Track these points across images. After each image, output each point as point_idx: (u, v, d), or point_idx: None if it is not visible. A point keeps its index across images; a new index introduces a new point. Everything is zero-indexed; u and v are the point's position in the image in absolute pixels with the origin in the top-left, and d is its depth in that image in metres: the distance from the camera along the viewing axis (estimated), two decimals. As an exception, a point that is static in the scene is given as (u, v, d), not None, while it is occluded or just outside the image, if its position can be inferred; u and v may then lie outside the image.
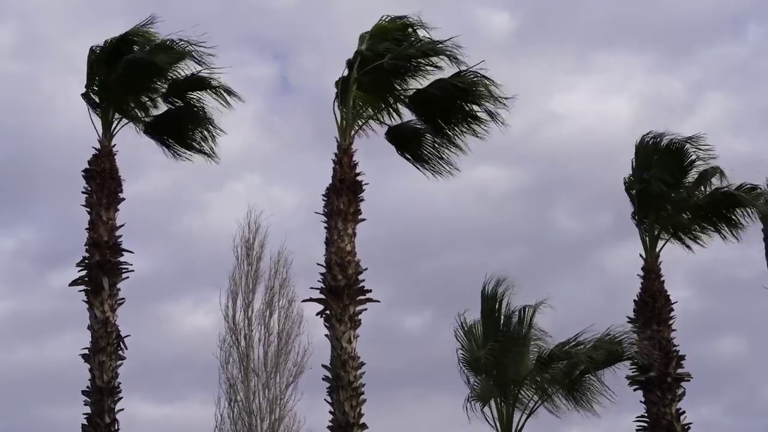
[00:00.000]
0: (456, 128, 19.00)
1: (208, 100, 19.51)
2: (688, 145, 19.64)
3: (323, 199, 18.12)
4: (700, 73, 46.30)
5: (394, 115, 19.32)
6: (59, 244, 39.16)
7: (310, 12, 41.43)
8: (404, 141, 19.48)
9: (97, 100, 19.13)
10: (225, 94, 19.22)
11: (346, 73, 18.67)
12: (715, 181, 19.52)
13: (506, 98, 18.27)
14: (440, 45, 18.28)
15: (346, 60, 18.69)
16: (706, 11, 45.12)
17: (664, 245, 19.69)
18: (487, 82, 18.29)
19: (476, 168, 39.25)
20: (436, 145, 19.37)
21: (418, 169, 19.56)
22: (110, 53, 18.86)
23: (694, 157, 19.71)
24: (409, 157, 19.58)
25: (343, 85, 18.57)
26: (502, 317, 18.50)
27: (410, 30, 18.69)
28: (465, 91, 18.45)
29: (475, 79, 18.35)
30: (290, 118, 45.11)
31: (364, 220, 18.11)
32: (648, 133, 19.77)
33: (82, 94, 19.10)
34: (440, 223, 39.20)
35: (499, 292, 18.52)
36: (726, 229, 19.78)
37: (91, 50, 19.01)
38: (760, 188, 19.40)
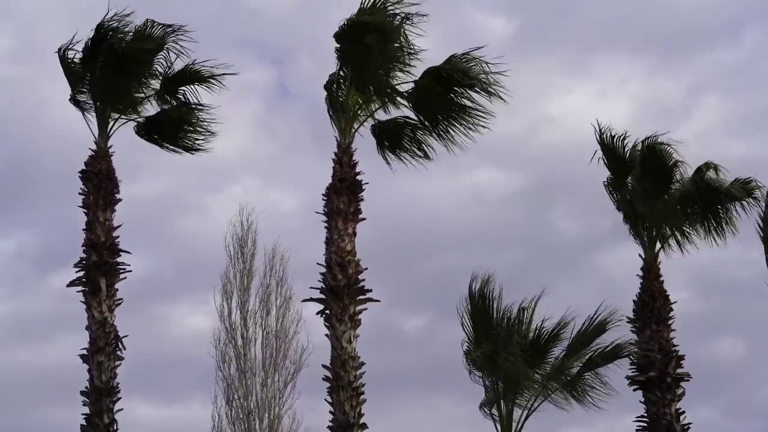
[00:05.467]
0: (454, 121, 18.92)
1: (203, 93, 19.57)
2: (667, 147, 19.55)
3: (323, 199, 18.08)
4: (696, 76, 46.39)
5: (393, 111, 19.19)
6: (58, 246, 39.14)
7: (308, 16, 41.46)
8: (386, 136, 19.33)
9: (89, 100, 19.12)
10: (217, 83, 19.23)
11: (337, 68, 18.61)
12: (711, 176, 19.40)
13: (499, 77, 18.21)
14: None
15: (336, 55, 18.52)
16: (703, 14, 45.21)
17: (662, 246, 19.66)
18: (480, 64, 18.19)
19: (474, 170, 39.37)
20: (417, 135, 19.19)
21: (398, 159, 19.42)
22: (91, 48, 18.76)
23: (675, 158, 19.62)
24: (389, 151, 19.39)
25: (337, 82, 18.54)
26: (494, 316, 18.42)
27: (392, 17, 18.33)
28: (459, 76, 18.32)
29: (467, 62, 18.27)
30: (289, 121, 45.19)
31: (364, 219, 18.08)
32: (618, 135, 19.68)
33: (70, 99, 19.11)
34: (439, 225, 39.32)
35: (486, 291, 18.44)
36: (719, 227, 19.69)
37: (62, 52, 18.89)
38: (754, 182, 19.26)
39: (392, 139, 19.38)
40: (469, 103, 18.61)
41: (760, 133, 42.00)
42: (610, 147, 19.74)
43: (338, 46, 18.26)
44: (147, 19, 18.74)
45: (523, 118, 40.07)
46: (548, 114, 42.59)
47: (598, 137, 19.80)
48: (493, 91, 18.21)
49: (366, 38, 17.97)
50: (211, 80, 19.27)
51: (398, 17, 18.24)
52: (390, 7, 18.20)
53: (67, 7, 42.98)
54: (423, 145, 19.32)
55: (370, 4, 18.09)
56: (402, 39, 18.40)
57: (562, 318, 18.16)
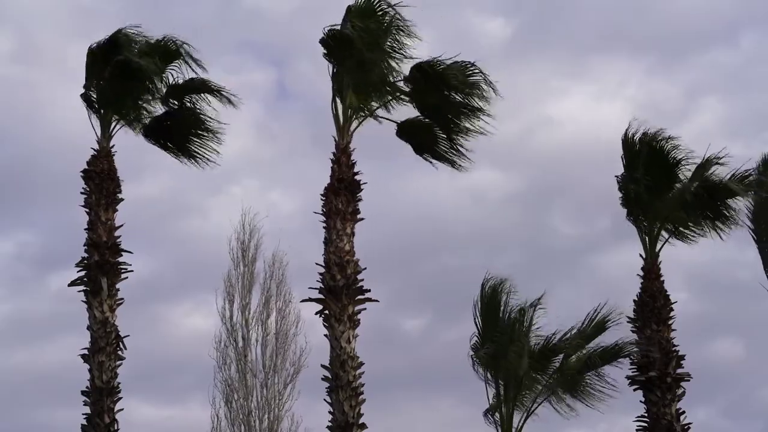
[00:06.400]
0: (454, 116, 19.01)
1: (206, 105, 19.70)
2: (674, 145, 19.60)
3: (322, 199, 18.12)
4: (694, 78, 46.45)
5: (392, 109, 19.24)
6: (58, 246, 39.21)
7: (307, 17, 41.52)
8: (418, 138, 19.42)
9: (95, 101, 19.20)
10: (224, 98, 19.36)
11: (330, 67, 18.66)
12: (715, 173, 19.45)
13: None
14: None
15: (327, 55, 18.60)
16: (701, 17, 45.28)
17: (663, 245, 19.68)
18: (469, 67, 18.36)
19: (473, 172, 39.28)
20: (450, 136, 19.33)
21: (434, 164, 19.62)
22: (104, 54, 18.86)
23: (681, 156, 19.67)
24: (428, 156, 19.57)
25: (338, 83, 18.60)
26: (502, 317, 18.47)
27: (384, 16, 18.46)
28: (444, 75, 18.42)
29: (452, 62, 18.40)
30: (288, 123, 45.22)
31: (362, 219, 18.12)
32: (634, 131, 19.72)
33: (81, 95, 19.16)
34: (438, 226, 39.30)
35: (498, 293, 18.50)
36: (720, 223, 19.72)
37: (90, 50, 19.06)
38: (752, 175, 19.27)
39: (420, 140, 19.45)
40: (458, 100, 18.75)
41: (758, 136, 42.05)
42: (631, 143, 19.70)
43: (325, 51, 18.36)
44: (164, 36, 19.05)
45: (522, 120, 40.18)
46: (546, 116, 42.70)
47: (624, 133, 19.75)
48: (476, 92, 18.40)
49: (352, 46, 18.05)
50: (217, 93, 19.38)
51: (387, 18, 18.33)
52: (380, 10, 18.31)
53: (67, 7, 43.14)
54: (456, 147, 19.43)
55: (361, 4, 18.19)
56: (392, 41, 18.51)
57: (571, 329, 18.26)
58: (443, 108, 18.92)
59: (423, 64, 18.45)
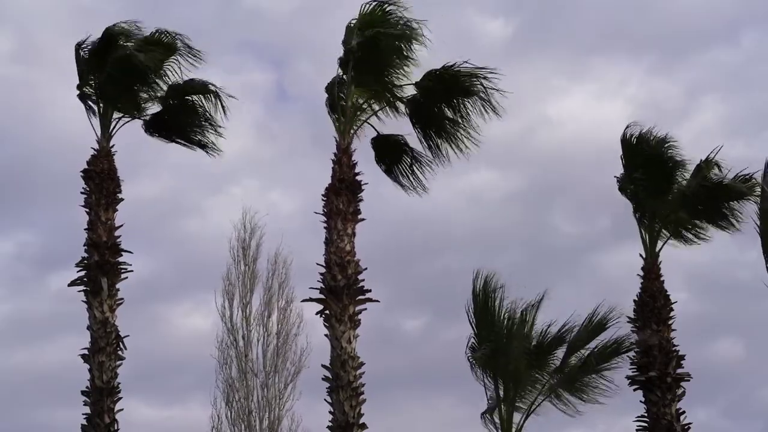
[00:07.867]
0: (451, 127, 19.03)
1: (206, 104, 19.71)
2: (674, 146, 19.60)
3: (323, 199, 18.11)
4: (695, 77, 46.46)
5: (392, 113, 19.25)
6: (58, 246, 39.29)
7: (307, 18, 41.58)
8: (384, 152, 19.51)
9: (93, 98, 19.20)
10: (223, 99, 19.41)
11: (339, 72, 18.69)
12: (713, 173, 19.43)
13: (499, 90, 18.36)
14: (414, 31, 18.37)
15: (338, 58, 18.68)
16: (701, 16, 45.32)
17: (663, 245, 19.68)
18: (479, 72, 18.34)
19: (473, 172, 39.41)
20: (414, 161, 19.44)
21: (392, 181, 19.74)
22: (99, 50, 18.87)
23: (681, 156, 19.68)
24: (385, 169, 19.66)
25: (339, 84, 18.58)
26: (496, 316, 18.45)
27: (391, 18, 18.47)
28: (456, 83, 18.43)
29: (465, 70, 18.36)
30: (288, 123, 45.26)
31: (363, 219, 18.12)
32: (634, 129, 19.70)
33: (78, 95, 19.16)
34: (438, 226, 39.32)
35: (490, 289, 18.48)
36: (723, 222, 19.71)
37: (77, 47, 19.06)
38: (755, 179, 19.26)
39: (391, 157, 19.52)
40: (465, 111, 18.75)
41: (759, 135, 42.04)
42: (630, 143, 19.68)
43: (344, 48, 18.37)
44: (157, 29, 19.06)
45: (522, 120, 40.22)
46: (547, 115, 42.73)
47: (623, 133, 19.72)
48: (491, 97, 18.39)
49: (369, 47, 18.11)
50: (216, 96, 19.43)
51: (400, 24, 18.34)
52: (392, 16, 18.32)
53: (67, 7, 43.15)
54: (421, 168, 19.51)
55: (370, 10, 18.19)
56: (404, 45, 18.51)
57: (567, 322, 18.28)
58: (446, 116, 18.92)
59: (436, 70, 18.47)
